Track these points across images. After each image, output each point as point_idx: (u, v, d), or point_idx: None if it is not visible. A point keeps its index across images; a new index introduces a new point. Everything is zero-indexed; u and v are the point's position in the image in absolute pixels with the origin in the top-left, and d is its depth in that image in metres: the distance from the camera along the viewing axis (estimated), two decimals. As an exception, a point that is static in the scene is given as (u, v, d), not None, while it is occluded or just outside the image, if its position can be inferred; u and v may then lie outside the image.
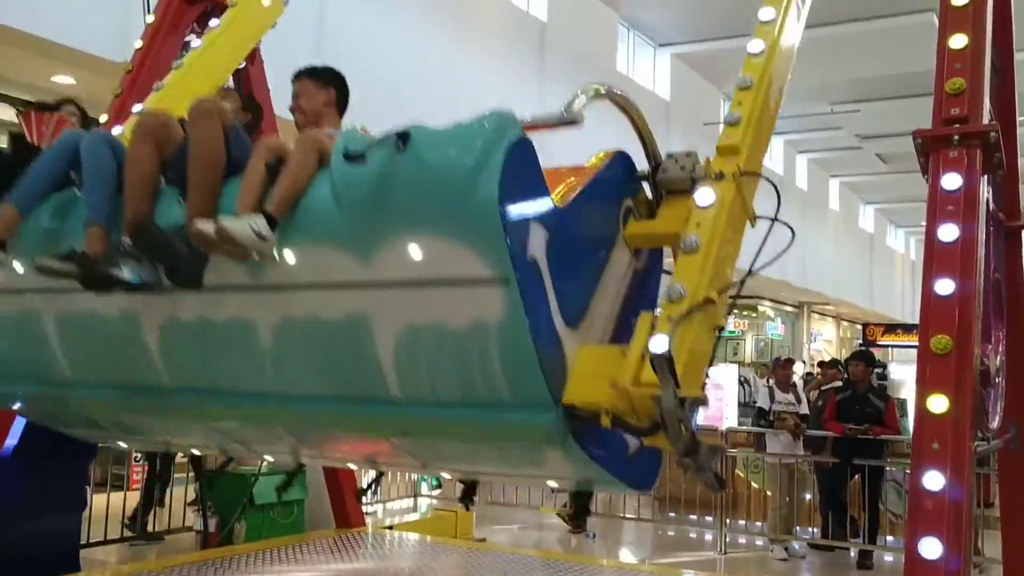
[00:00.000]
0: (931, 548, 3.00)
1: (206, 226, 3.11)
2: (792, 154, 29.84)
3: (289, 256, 3.17)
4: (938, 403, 3.20)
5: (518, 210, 2.77)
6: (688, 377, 2.66)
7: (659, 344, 2.56)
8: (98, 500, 8.05)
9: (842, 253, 31.33)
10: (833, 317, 37.43)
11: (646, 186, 3.44)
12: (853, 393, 9.95)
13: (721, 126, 3.37)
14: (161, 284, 3.39)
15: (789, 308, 33.73)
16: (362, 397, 3.26)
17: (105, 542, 7.94)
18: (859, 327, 34.00)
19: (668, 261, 3.36)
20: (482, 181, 2.70)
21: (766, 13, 3.85)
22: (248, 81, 6.60)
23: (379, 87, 12.21)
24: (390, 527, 7.54)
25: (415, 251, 2.89)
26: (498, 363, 2.87)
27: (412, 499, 10.79)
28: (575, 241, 3.08)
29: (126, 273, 3.34)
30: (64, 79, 10.09)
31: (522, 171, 2.80)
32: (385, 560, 6.03)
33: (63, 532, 6.09)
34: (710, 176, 3.15)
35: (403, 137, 2.86)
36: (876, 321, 32.32)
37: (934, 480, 3.10)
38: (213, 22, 5.83)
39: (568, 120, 2.94)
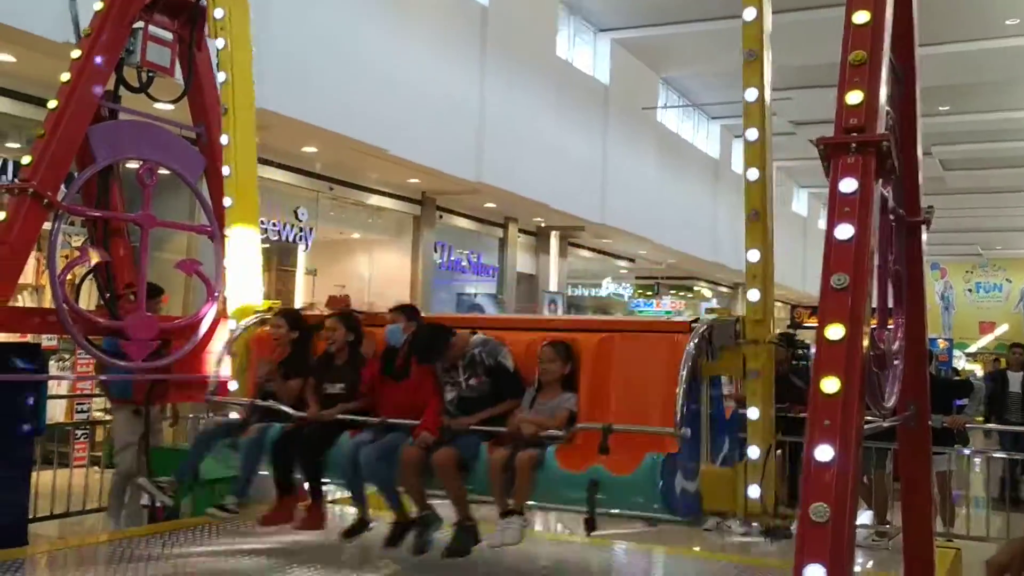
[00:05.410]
0: (820, 512, 3.36)
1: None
2: (728, 139, 30.46)
3: None
4: (830, 384, 3.55)
5: None
6: None
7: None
8: (45, 476, 8.19)
9: (777, 235, 31.66)
10: (767, 298, 38.22)
11: None
12: (776, 375, 10.36)
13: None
14: None
15: (725, 288, 34.48)
16: None
17: (52, 516, 8.09)
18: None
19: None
20: None
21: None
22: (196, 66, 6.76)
23: (320, 72, 12.36)
24: (332, 501, 7.77)
25: None
26: None
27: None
28: None
29: None
30: (4, 57, 10.06)
31: None
32: (324, 533, 6.33)
33: (10, 506, 6.25)
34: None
35: None
36: (808, 302, 33.14)
37: (825, 453, 3.46)
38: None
39: None
